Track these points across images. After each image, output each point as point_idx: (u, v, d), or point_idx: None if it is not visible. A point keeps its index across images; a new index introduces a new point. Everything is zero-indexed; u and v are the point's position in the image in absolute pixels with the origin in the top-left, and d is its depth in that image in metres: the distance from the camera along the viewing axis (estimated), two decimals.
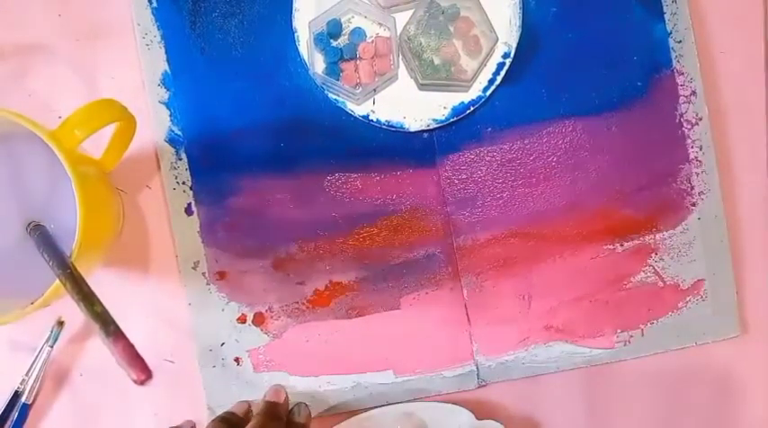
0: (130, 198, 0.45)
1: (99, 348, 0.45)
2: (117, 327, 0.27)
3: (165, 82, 0.45)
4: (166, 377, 0.46)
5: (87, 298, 0.28)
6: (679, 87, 0.45)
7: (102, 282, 0.45)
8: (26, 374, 0.44)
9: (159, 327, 0.46)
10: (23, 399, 0.44)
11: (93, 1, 0.45)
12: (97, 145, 0.40)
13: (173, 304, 0.45)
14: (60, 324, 0.44)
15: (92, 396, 0.46)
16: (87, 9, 0.45)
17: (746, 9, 0.46)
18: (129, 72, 0.45)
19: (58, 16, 0.45)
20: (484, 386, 0.46)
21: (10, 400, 0.44)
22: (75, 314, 0.45)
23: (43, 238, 0.33)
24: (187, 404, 0.46)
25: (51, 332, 0.44)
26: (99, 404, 0.46)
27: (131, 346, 0.27)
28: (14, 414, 0.44)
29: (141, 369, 0.27)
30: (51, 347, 0.44)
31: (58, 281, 0.31)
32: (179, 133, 0.45)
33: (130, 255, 0.45)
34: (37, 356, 0.44)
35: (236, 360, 0.45)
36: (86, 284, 0.29)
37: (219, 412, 0.45)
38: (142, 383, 0.27)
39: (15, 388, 0.44)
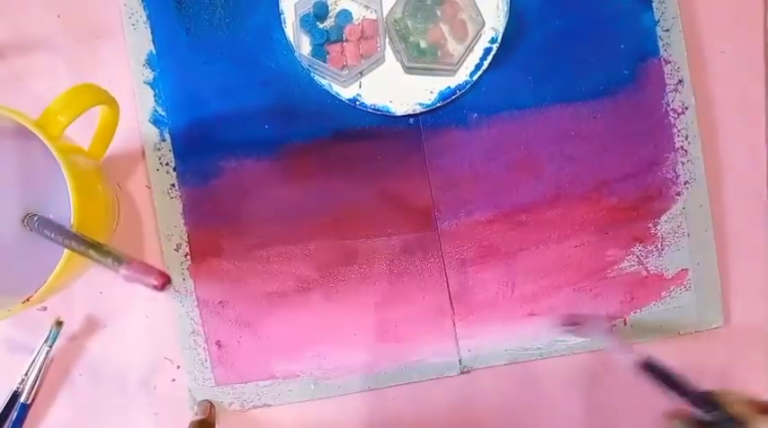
0: (125, 192, 0.45)
1: (98, 348, 0.45)
2: (126, 255, 0.29)
3: (151, 62, 0.44)
4: (166, 375, 0.45)
5: (95, 245, 0.31)
6: (666, 76, 0.45)
7: (101, 280, 0.45)
8: (25, 374, 0.44)
9: (159, 324, 0.45)
10: (22, 399, 0.43)
11: (92, 1, 0.45)
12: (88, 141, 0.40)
13: (167, 296, 0.45)
14: (59, 324, 0.44)
15: (91, 396, 0.45)
16: (87, 9, 0.45)
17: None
18: (128, 71, 0.44)
19: (58, 16, 0.45)
20: (467, 372, 0.46)
21: (9, 400, 0.43)
22: (73, 314, 0.45)
23: (41, 220, 0.34)
24: (187, 403, 0.45)
25: (50, 332, 0.43)
26: (98, 404, 0.45)
27: (143, 262, 0.29)
28: (13, 415, 0.43)
29: (159, 274, 0.28)
30: (50, 347, 0.44)
31: (53, 277, 0.32)
32: (163, 114, 0.44)
33: (124, 246, 0.45)
34: (36, 356, 0.44)
35: (218, 343, 0.45)
36: (89, 237, 0.31)
37: (199, 396, 0.45)
38: (163, 287, 0.28)
39: (14, 389, 0.43)
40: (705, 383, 0.46)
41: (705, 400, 0.33)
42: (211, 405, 0.45)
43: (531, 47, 0.44)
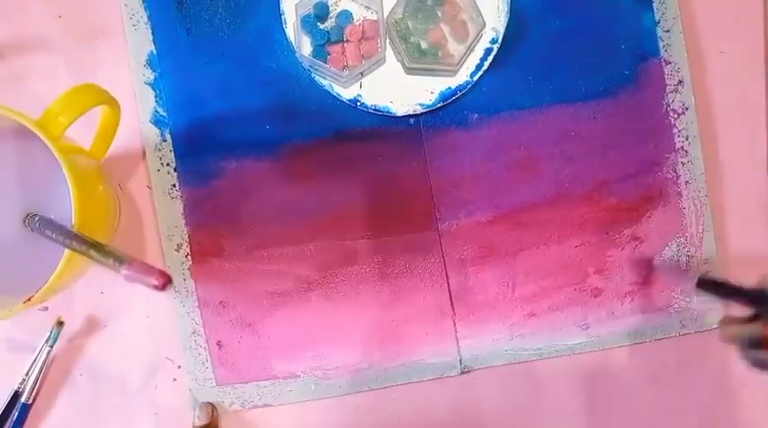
0: (126, 192, 0.45)
1: (99, 348, 0.45)
2: (127, 255, 0.29)
3: (152, 63, 0.44)
4: (167, 375, 0.45)
5: (96, 245, 0.31)
6: (666, 76, 0.45)
7: (102, 280, 0.45)
8: (26, 374, 0.44)
9: (159, 324, 0.45)
10: (23, 399, 0.43)
11: (92, 1, 0.45)
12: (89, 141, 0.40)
13: (167, 296, 0.45)
14: (60, 324, 0.44)
15: (92, 396, 0.45)
16: (87, 9, 0.45)
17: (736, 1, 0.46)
18: (129, 71, 0.44)
19: (58, 17, 0.45)
20: (467, 372, 0.46)
21: (9, 400, 0.43)
22: (74, 314, 0.45)
23: (42, 220, 0.34)
24: (187, 402, 0.46)
25: (51, 332, 0.43)
26: (99, 403, 0.45)
27: (144, 262, 0.29)
28: (14, 414, 0.43)
29: (160, 274, 0.28)
30: (51, 347, 0.44)
31: (54, 277, 0.32)
32: (164, 114, 0.44)
33: (125, 246, 0.45)
34: (36, 356, 0.44)
35: (218, 344, 0.45)
36: (90, 237, 0.32)
37: (200, 396, 0.45)
38: (164, 287, 0.28)
39: (15, 389, 0.43)
40: (705, 383, 0.47)
41: (761, 295, 0.35)
42: (213, 407, 0.45)
43: (532, 47, 0.44)
